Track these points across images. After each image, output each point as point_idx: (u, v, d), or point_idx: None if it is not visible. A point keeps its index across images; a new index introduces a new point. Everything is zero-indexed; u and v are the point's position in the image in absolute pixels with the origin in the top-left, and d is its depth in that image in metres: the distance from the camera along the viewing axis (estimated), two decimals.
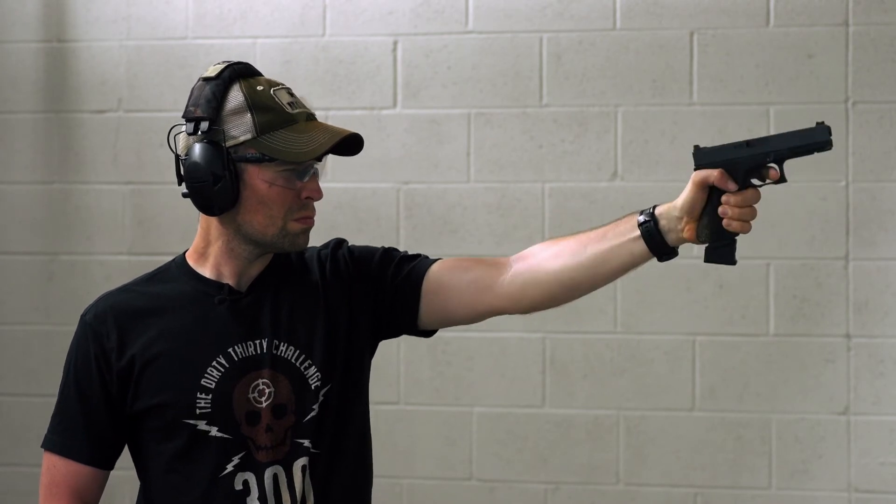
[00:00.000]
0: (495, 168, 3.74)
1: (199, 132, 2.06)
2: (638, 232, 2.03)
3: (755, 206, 1.98)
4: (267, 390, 2.10)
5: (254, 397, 2.09)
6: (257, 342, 2.11)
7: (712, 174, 1.97)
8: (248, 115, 2.05)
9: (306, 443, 2.11)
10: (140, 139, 3.89)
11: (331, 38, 3.82)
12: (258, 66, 4.13)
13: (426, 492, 3.80)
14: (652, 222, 2.02)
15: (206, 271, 2.14)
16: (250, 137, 2.05)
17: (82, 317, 2.16)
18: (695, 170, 2.00)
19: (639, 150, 3.69)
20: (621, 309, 3.70)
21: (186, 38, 3.88)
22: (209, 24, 3.86)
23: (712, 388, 3.67)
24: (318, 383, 2.12)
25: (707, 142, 3.66)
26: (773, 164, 1.98)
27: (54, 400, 4.13)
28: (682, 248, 3.66)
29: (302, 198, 2.09)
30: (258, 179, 2.07)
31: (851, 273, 3.61)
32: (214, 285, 2.13)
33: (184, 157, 2.08)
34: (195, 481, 2.08)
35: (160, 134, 3.88)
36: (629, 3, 3.68)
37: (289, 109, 2.08)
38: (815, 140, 1.97)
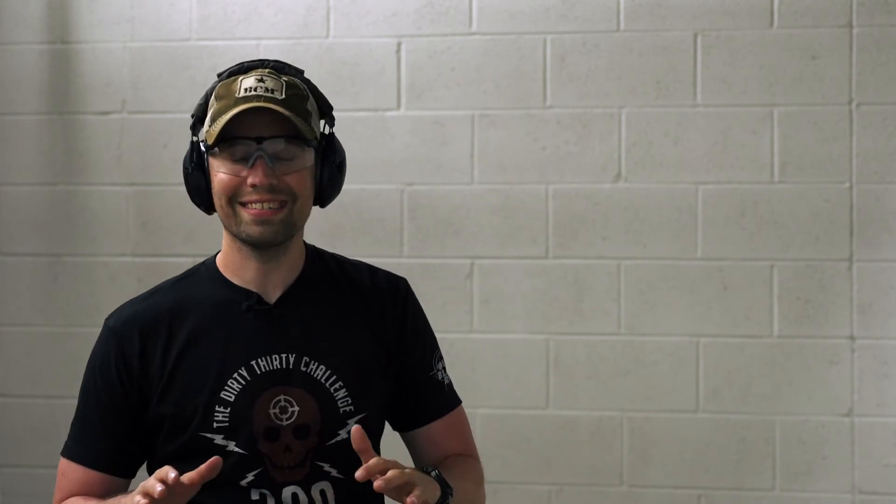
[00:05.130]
0: (499, 170, 3.74)
1: (191, 129, 2.07)
2: None
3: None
4: (290, 408, 2.02)
5: (275, 413, 2.01)
6: (283, 356, 2.03)
7: None
8: (212, 106, 2.02)
9: (327, 466, 2.04)
10: (144, 141, 3.89)
11: (334, 40, 3.82)
12: None
13: None
14: None
15: (233, 277, 2.08)
16: (206, 128, 2.02)
17: (105, 322, 2.09)
18: None
19: (642, 152, 3.69)
20: (625, 310, 3.70)
21: (190, 40, 3.88)
22: (213, 26, 3.86)
23: (716, 389, 3.67)
24: (348, 408, 2.05)
25: (709, 143, 3.67)
26: None
27: (58, 402, 4.12)
28: (684, 249, 3.67)
29: (247, 184, 1.98)
30: (213, 170, 2.02)
31: (855, 274, 3.61)
32: (242, 292, 2.06)
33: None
34: (211, 492, 1.98)
35: (164, 135, 3.88)
36: (633, 4, 3.68)
37: (238, 94, 1.98)
38: None
